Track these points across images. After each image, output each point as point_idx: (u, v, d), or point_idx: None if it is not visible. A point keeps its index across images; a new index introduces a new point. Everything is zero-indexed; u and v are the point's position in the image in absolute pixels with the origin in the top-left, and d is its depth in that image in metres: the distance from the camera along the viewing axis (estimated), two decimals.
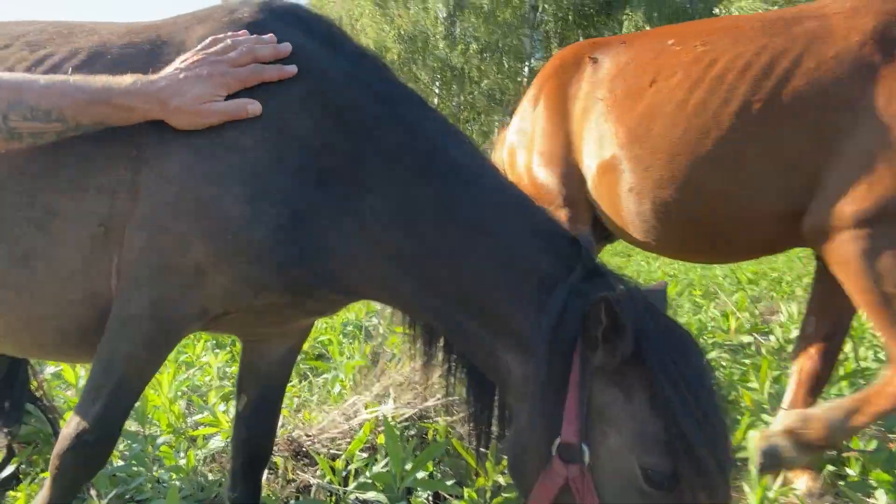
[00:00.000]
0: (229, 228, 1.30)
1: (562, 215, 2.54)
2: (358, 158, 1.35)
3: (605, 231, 2.70)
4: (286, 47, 1.38)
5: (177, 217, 1.31)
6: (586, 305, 1.19)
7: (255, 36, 1.39)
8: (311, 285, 1.41)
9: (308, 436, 2.17)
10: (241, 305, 1.40)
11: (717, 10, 19.09)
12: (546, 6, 25.53)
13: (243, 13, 1.46)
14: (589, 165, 2.49)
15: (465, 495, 1.84)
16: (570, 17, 25.89)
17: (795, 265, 8.04)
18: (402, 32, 24.39)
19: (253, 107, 1.32)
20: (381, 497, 1.83)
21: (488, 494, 1.85)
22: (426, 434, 2.11)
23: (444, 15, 25.04)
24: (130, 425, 2.36)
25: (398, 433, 1.97)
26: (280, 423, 2.42)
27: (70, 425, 1.38)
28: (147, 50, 1.46)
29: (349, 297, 1.53)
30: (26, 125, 1.28)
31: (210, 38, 1.40)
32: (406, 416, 2.17)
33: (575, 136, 2.58)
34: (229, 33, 1.40)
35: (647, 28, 23.53)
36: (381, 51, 24.94)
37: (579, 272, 1.27)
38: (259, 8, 1.47)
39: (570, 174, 2.58)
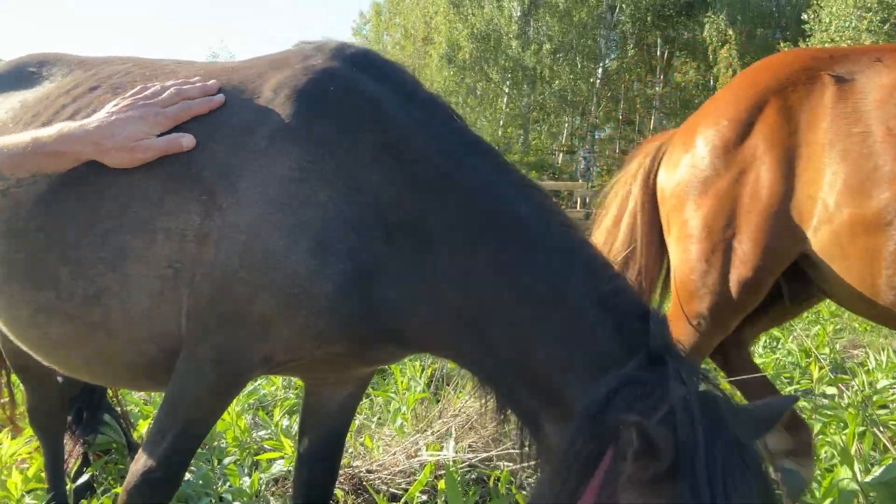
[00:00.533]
0: (296, 282, 1.31)
1: (742, 270, 2.04)
2: (424, 214, 1.34)
3: (802, 295, 2.23)
4: (213, 84, 1.45)
5: (246, 267, 1.32)
6: (639, 394, 1.11)
7: (181, 80, 1.48)
8: (372, 339, 1.41)
9: (369, 471, 2.17)
10: (304, 355, 1.41)
11: (804, 15, 18.22)
12: (624, 6, 24.98)
13: (317, 60, 1.46)
14: (828, 217, 1.92)
15: None
16: (648, 18, 25.27)
17: None
18: (476, 31, 24.35)
19: (187, 140, 1.38)
20: None
21: None
22: (487, 479, 2.08)
23: (519, 14, 24.88)
24: None
25: (459, 477, 1.94)
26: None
27: (138, 462, 1.42)
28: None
29: (410, 350, 1.52)
30: None
31: (140, 86, 1.48)
32: (468, 461, 2.14)
33: (806, 178, 1.97)
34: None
35: (731, 31, 22.72)
36: (453, 49, 25.00)
37: (641, 357, 1.17)
38: (332, 55, 1.47)
39: (785, 225, 1.98)
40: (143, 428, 2.56)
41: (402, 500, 2.00)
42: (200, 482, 2.26)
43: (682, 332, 2.10)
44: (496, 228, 1.32)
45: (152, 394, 2.97)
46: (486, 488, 2.09)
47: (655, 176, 2.36)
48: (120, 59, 1.76)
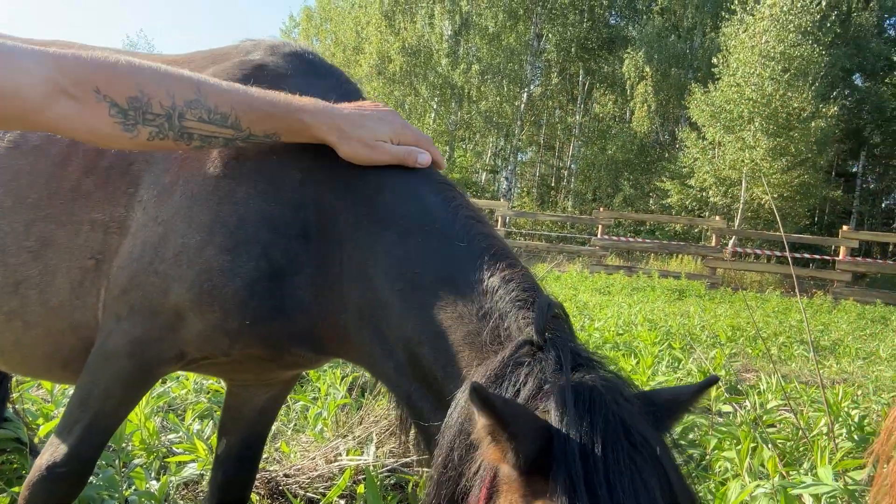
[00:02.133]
0: (209, 277, 1.29)
1: None
2: (336, 212, 1.32)
3: None
4: (441, 161, 1.41)
5: (160, 259, 1.30)
6: (511, 384, 0.99)
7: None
8: (286, 341, 1.36)
9: (286, 475, 2.14)
10: (217, 353, 1.37)
11: (714, 59, 19.44)
12: (550, 35, 25.85)
13: (255, 56, 1.47)
14: None
15: None
16: (572, 49, 26.25)
17: (771, 321, 8.15)
18: (407, 45, 24.51)
19: (423, 157, 1.33)
20: None
21: None
22: (407, 484, 2.10)
23: (450, 33, 25.25)
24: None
25: (379, 482, 1.95)
26: None
27: (44, 456, 1.36)
28: None
29: (325, 354, 1.44)
30: (200, 126, 1.22)
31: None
32: (388, 466, 2.15)
33: None
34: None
35: (647, 69, 23.91)
36: (384, 61, 25.04)
37: (514, 346, 1.06)
38: (270, 51, 1.48)
39: None
40: (45, 431, 2.42)
41: None
42: (104, 485, 2.16)
43: None
44: (397, 221, 1.28)
45: (54, 392, 2.81)
46: (405, 493, 2.10)
47: None
48: (64, 45, 1.68)
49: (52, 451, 1.35)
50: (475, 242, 1.24)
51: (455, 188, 1.37)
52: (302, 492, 2.08)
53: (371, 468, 2.05)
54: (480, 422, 0.90)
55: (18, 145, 1.46)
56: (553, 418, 0.91)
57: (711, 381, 1.07)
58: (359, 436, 2.28)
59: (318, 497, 2.05)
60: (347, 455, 2.15)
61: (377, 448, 2.21)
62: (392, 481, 2.14)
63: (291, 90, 1.32)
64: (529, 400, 0.97)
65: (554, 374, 0.98)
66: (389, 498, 1.90)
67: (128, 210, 1.35)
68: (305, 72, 1.46)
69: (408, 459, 2.17)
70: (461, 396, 1.03)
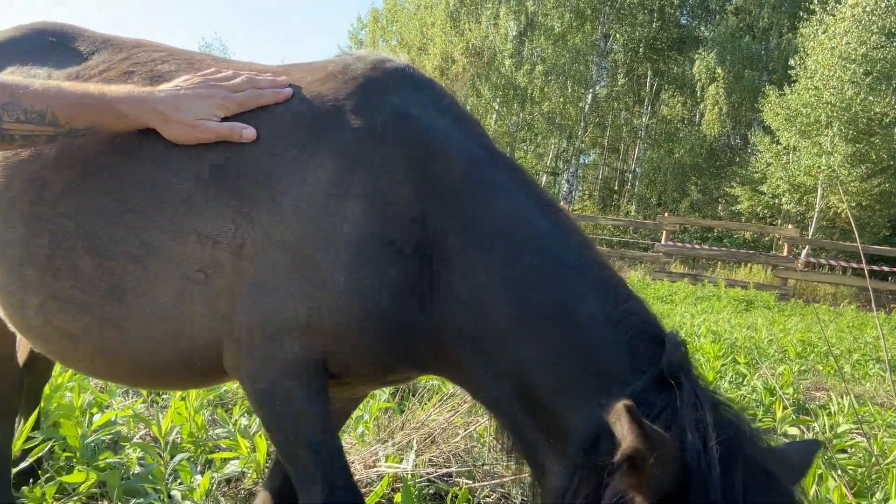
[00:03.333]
0: (336, 298, 1.27)
1: None
2: (445, 231, 1.30)
3: None
4: (283, 80, 1.43)
5: (287, 283, 1.29)
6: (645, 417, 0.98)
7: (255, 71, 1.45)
8: (396, 360, 1.36)
9: None
10: (341, 372, 1.36)
11: (791, 61, 18.64)
12: (618, 35, 25.37)
13: (356, 71, 1.44)
14: None
15: None
16: (640, 50, 25.70)
17: (845, 337, 7.72)
18: (471, 46, 24.52)
19: (247, 132, 1.36)
20: None
21: None
22: (445, 495, 2.04)
23: (515, 33, 25.11)
24: (150, 431, 2.36)
25: (416, 492, 1.91)
26: None
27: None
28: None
29: (425, 373, 1.45)
30: (18, 127, 1.31)
31: (213, 68, 1.46)
32: (427, 475, 2.10)
33: None
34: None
35: (719, 70, 23.15)
36: (447, 62, 25.13)
37: (647, 379, 1.07)
38: (371, 66, 1.45)
39: None
40: (102, 421, 2.47)
41: None
42: (150, 477, 2.19)
43: None
44: (509, 244, 1.27)
45: (108, 383, 2.88)
46: None
47: None
48: (152, 45, 1.69)
49: (316, 496, 1.31)
50: (591, 271, 1.24)
51: (561, 209, 1.36)
52: None
53: (409, 477, 2.00)
54: (626, 443, 0.92)
55: (122, 148, 1.42)
56: (690, 454, 0.93)
57: (816, 446, 1.11)
58: (399, 441, 2.24)
59: None
60: (386, 462, 2.12)
61: (417, 456, 2.17)
62: (430, 491, 2.09)
63: (389, 106, 1.38)
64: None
65: (690, 410, 1.00)
66: None
67: (239, 227, 1.32)
68: (407, 88, 1.44)
69: (447, 470, 2.11)
70: (595, 421, 1.04)
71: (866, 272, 2.85)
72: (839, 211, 17.55)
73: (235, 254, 1.31)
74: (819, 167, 17.19)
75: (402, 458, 2.15)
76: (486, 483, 2.23)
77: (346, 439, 2.57)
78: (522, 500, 2.27)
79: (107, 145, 1.42)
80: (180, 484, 2.18)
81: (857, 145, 16.84)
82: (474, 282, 1.26)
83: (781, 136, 18.75)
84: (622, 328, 1.16)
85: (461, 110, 1.46)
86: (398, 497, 1.98)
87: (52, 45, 1.67)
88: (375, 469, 2.11)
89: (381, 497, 2.00)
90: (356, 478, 2.12)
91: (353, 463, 2.18)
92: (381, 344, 1.32)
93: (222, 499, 2.19)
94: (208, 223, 1.32)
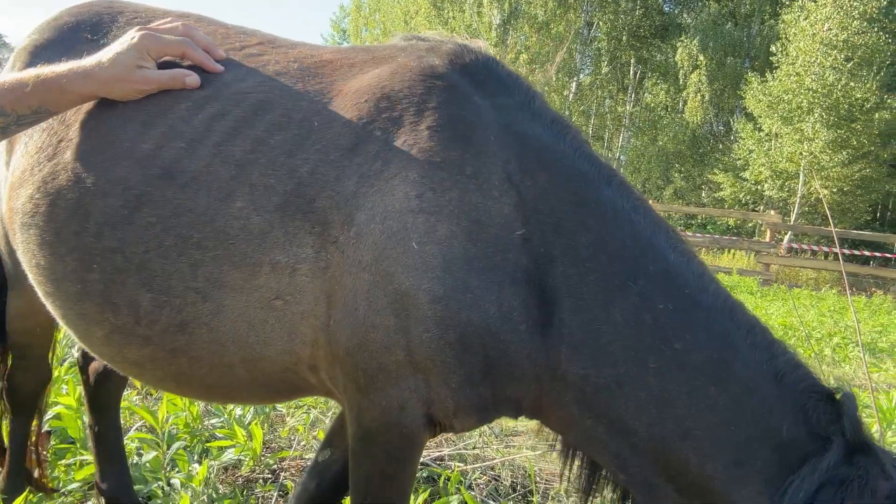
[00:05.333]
0: (423, 326, 1.11)
1: None
2: (551, 258, 1.11)
3: None
4: (218, 51, 1.37)
5: (376, 311, 1.14)
6: (843, 500, 0.91)
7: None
8: (489, 403, 1.18)
9: None
10: (447, 423, 1.21)
11: (773, 48, 18.76)
12: (601, 23, 25.39)
13: (433, 64, 1.26)
14: None
15: None
16: (623, 38, 25.71)
17: (826, 321, 7.86)
18: (456, 34, 24.41)
19: (191, 79, 1.30)
20: None
21: None
22: (438, 478, 2.10)
23: (498, 22, 25.04)
24: (146, 423, 2.39)
25: None
26: (295, 441, 2.44)
27: None
28: (308, 79, 1.34)
29: (525, 415, 1.28)
30: None
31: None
32: (420, 459, 2.17)
33: None
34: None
35: (702, 57, 23.26)
36: None
37: (838, 447, 0.94)
38: (450, 60, 1.27)
39: None
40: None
41: None
42: (149, 465, 2.23)
43: None
44: (639, 279, 1.07)
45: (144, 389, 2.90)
46: (437, 487, 2.11)
47: None
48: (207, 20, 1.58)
49: None
50: (735, 312, 1.07)
51: (676, 232, 1.19)
52: None
53: None
54: None
55: (174, 176, 1.28)
56: None
57: None
58: None
59: None
60: None
61: None
62: (424, 475, 2.15)
63: (475, 108, 1.21)
64: None
65: (884, 485, 0.91)
66: (421, 490, 1.90)
67: (320, 251, 1.19)
68: (494, 86, 1.27)
69: (439, 453, 2.17)
70: (803, 495, 0.91)
71: (840, 257, 2.94)
72: (821, 196, 17.77)
73: (319, 277, 1.18)
74: (801, 153, 17.37)
75: None
76: (477, 465, 2.29)
77: None
78: (512, 482, 2.33)
79: (151, 170, 1.30)
80: (178, 472, 2.23)
81: (839, 131, 17.02)
82: (590, 324, 1.07)
83: (763, 123, 18.90)
84: (787, 383, 1.01)
85: (555, 113, 1.28)
86: None
87: (87, 41, 1.54)
88: None
89: None
90: None
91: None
92: (477, 390, 1.14)
93: (220, 486, 2.24)
94: (284, 252, 1.20)
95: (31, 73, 1.32)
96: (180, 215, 1.25)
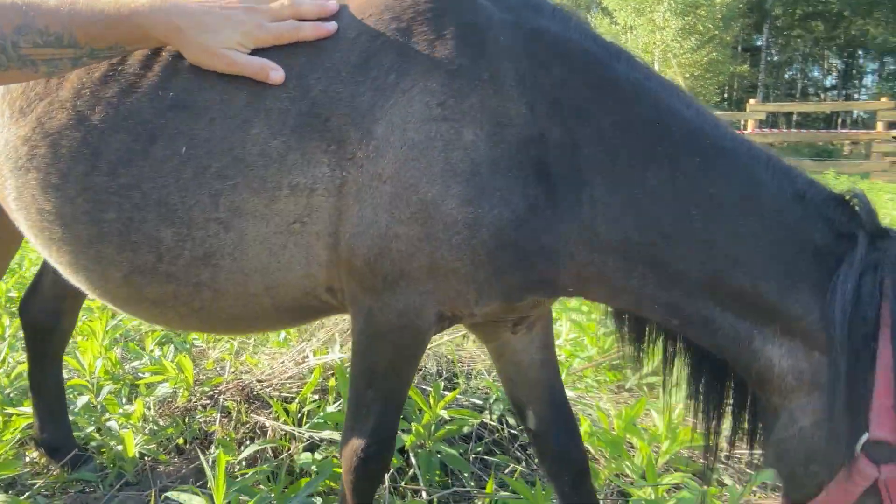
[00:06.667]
0: (454, 231, 1.19)
1: None
2: (576, 144, 1.20)
3: None
4: (333, 5, 1.29)
5: (398, 221, 1.20)
6: (882, 279, 1.05)
7: None
8: (524, 290, 1.28)
9: (259, 381, 2.27)
10: (464, 311, 1.30)
11: None
12: None
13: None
14: None
15: (413, 429, 2.02)
16: None
17: None
18: None
19: (276, 74, 1.24)
20: (336, 435, 1.98)
21: (433, 428, 2.04)
22: None
23: None
24: (67, 374, 2.37)
25: (348, 374, 2.10)
26: (225, 368, 2.51)
27: (352, 443, 1.36)
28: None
29: (560, 296, 1.38)
30: (38, 52, 1.18)
31: None
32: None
33: None
34: None
35: None
36: None
37: (863, 240, 1.08)
38: None
39: None
40: (19, 371, 2.43)
41: (296, 401, 2.14)
42: (81, 412, 2.24)
43: None
44: (667, 141, 1.18)
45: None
46: None
47: None
48: None
49: (356, 438, 1.36)
50: (753, 150, 1.20)
51: (671, 82, 1.28)
52: (276, 393, 2.22)
53: (339, 362, 2.19)
54: None
55: (187, 107, 1.28)
56: None
57: None
58: (322, 338, 2.42)
59: (293, 395, 2.20)
60: (315, 355, 2.29)
61: (341, 347, 2.36)
62: None
63: (482, 10, 1.23)
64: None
65: None
66: None
67: (336, 169, 1.22)
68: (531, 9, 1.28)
69: None
70: (850, 281, 1.06)
71: None
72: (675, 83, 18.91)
73: (334, 195, 1.23)
74: (655, 43, 18.29)
75: (329, 350, 2.33)
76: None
77: (268, 350, 2.71)
78: (437, 369, 2.54)
79: (162, 102, 1.28)
80: (112, 414, 2.25)
81: (686, 18, 17.99)
82: (627, 194, 1.18)
83: (618, 17, 19.59)
84: (808, 199, 1.15)
85: (550, 2, 1.32)
86: (332, 382, 2.18)
87: None
88: (306, 364, 2.29)
89: (317, 385, 2.19)
90: (288, 375, 2.29)
91: (283, 363, 2.34)
92: (503, 282, 1.25)
93: (160, 420, 2.29)
94: (303, 174, 1.23)
95: (112, 4, 1.18)
96: (197, 146, 1.26)
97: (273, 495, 1.79)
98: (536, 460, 1.65)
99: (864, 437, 1.07)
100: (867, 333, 1.06)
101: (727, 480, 2.10)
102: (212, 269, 1.30)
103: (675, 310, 1.21)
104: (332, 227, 1.25)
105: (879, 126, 15.03)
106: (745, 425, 1.28)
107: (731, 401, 1.29)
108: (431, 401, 2.05)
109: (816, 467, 1.14)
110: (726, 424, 1.30)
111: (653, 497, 1.87)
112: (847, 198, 1.15)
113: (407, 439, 2.01)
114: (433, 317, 1.29)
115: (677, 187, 1.17)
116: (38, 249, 1.51)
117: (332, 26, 1.26)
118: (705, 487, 1.69)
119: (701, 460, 1.64)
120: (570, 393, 2.35)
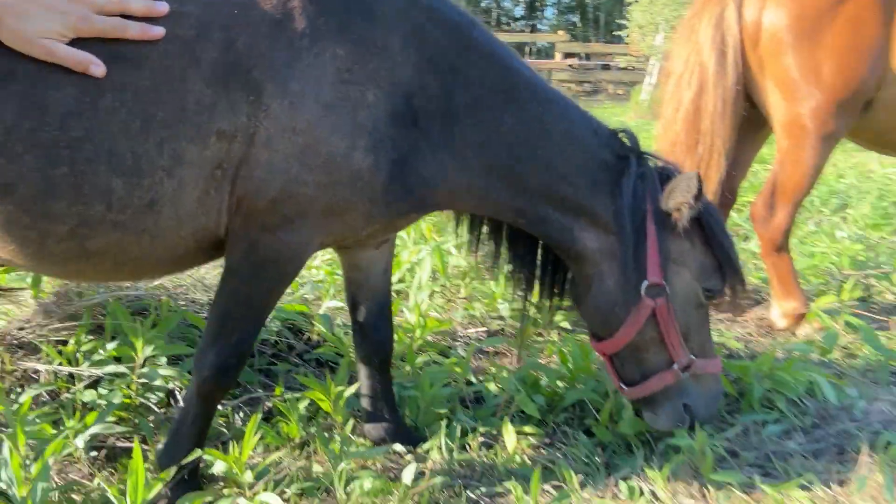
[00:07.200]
0: (359, 177, 1.47)
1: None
2: (450, 94, 1.54)
3: None
4: (163, 6, 1.38)
5: (308, 168, 1.43)
6: (647, 185, 1.65)
7: None
8: (406, 212, 1.63)
9: (20, 329, 2.18)
10: (351, 237, 1.62)
11: None
12: None
13: None
14: None
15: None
16: None
17: None
18: None
19: (97, 69, 1.29)
20: (122, 368, 2.03)
21: None
22: (148, 310, 2.31)
23: None
24: None
25: (127, 311, 2.15)
26: None
27: (209, 357, 1.56)
28: None
29: (432, 211, 1.75)
30: None
31: None
32: (129, 297, 2.32)
33: None
34: None
35: None
36: None
37: (635, 159, 1.68)
38: None
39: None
40: None
41: (72, 343, 2.12)
42: None
43: None
44: (515, 91, 1.61)
45: None
46: (149, 316, 2.31)
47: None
48: None
49: (220, 349, 1.55)
50: (566, 100, 1.70)
51: (504, 44, 1.68)
52: (44, 338, 2.16)
53: (111, 301, 2.22)
54: (693, 190, 1.61)
55: (128, 59, 1.36)
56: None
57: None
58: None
59: (64, 339, 2.16)
60: (81, 298, 2.27)
61: (106, 286, 2.35)
62: (139, 306, 2.34)
63: None
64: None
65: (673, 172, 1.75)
66: (147, 322, 2.11)
67: (251, 119, 1.41)
68: None
69: (145, 284, 2.38)
70: (630, 186, 1.65)
71: None
72: None
73: (247, 143, 1.41)
74: None
75: (96, 292, 2.31)
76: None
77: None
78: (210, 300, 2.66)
79: (103, 56, 1.33)
80: None
81: None
82: (491, 129, 1.58)
83: None
84: (600, 133, 1.70)
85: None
86: (108, 320, 2.19)
87: None
88: (72, 306, 2.25)
89: (90, 326, 2.19)
90: (49, 319, 2.23)
91: (45, 308, 2.26)
92: (391, 209, 1.57)
93: None
94: (228, 122, 1.40)
95: None
96: (142, 97, 1.37)
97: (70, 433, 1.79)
98: (352, 350, 2.03)
99: (645, 283, 1.66)
100: (641, 219, 1.65)
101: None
102: (155, 216, 1.43)
103: (522, 212, 1.68)
104: (243, 171, 1.45)
105: (558, 56, 17.42)
106: (556, 291, 1.87)
107: (542, 275, 1.85)
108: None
109: (618, 309, 1.71)
110: (535, 294, 1.88)
111: (411, 372, 2.33)
112: (620, 133, 1.74)
113: None
114: (317, 246, 1.62)
115: (525, 125, 1.62)
116: None
117: (159, 30, 1.36)
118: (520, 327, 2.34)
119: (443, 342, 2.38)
120: (335, 303, 2.68)
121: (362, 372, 1.98)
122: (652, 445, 1.98)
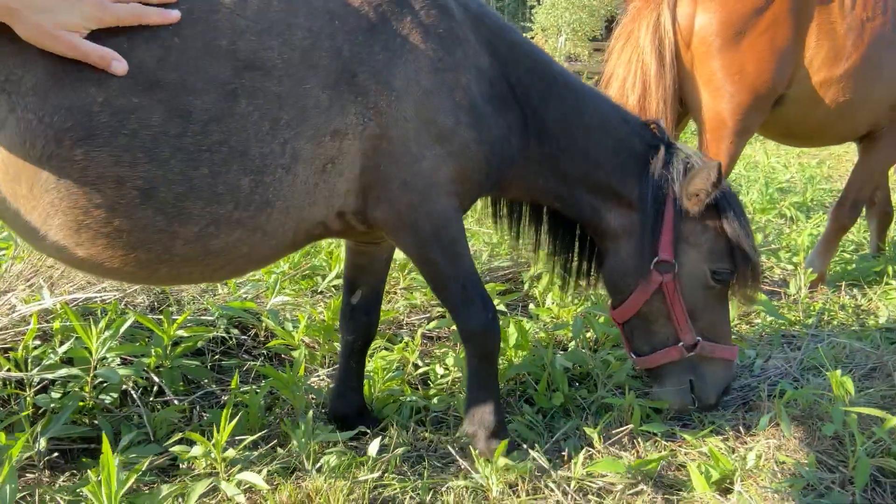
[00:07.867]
0: (468, 148, 1.69)
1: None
2: (518, 85, 1.80)
3: None
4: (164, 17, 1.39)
5: (425, 146, 1.63)
6: (671, 171, 1.88)
7: None
8: (491, 190, 1.90)
9: None
10: (467, 205, 1.83)
11: None
12: None
13: None
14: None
15: (153, 352, 2.20)
16: None
17: None
18: None
19: (119, 65, 1.30)
20: (74, 370, 2.04)
21: (169, 348, 2.23)
22: (95, 313, 2.31)
23: None
24: None
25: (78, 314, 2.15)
26: None
27: (469, 322, 1.80)
28: None
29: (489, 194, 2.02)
30: None
31: None
32: (77, 300, 2.31)
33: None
34: None
35: None
36: None
37: (663, 148, 1.91)
38: None
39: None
40: None
41: (20, 349, 2.11)
42: None
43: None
44: (555, 87, 1.85)
45: None
46: (104, 317, 2.30)
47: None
48: None
49: (479, 310, 1.79)
50: (595, 90, 1.97)
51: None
52: None
53: (56, 307, 2.21)
54: (713, 178, 1.83)
55: (257, 67, 1.48)
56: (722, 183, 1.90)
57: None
58: (23, 287, 2.35)
59: (13, 345, 2.15)
60: (26, 303, 2.25)
61: (52, 291, 2.34)
62: (85, 309, 2.34)
63: None
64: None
65: (698, 160, 1.96)
66: (102, 323, 2.12)
67: (359, 117, 1.58)
68: None
69: (93, 293, 2.37)
70: (656, 173, 1.91)
71: None
72: None
73: (358, 138, 1.58)
74: None
75: (41, 297, 2.30)
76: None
77: None
78: (154, 302, 2.67)
79: (236, 64, 1.46)
80: None
81: None
82: (541, 118, 1.84)
83: None
84: (630, 123, 1.95)
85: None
86: (56, 324, 2.18)
87: None
88: (18, 312, 2.23)
89: (37, 331, 2.17)
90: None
91: None
92: (492, 179, 1.81)
93: None
94: (341, 121, 1.55)
95: None
96: (269, 100, 1.49)
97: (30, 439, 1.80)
98: (338, 328, 2.13)
99: (655, 259, 1.89)
100: (661, 202, 1.89)
101: None
102: (269, 211, 1.54)
103: (559, 197, 1.95)
104: (356, 165, 1.62)
105: None
106: (585, 266, 2.12)
107: (577, 251, 2.11)
108: (165, 326, 2.23)
109: (630, 279, 1.95)
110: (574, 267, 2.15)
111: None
112: (650, 123, 1.99)
113: (149, 362, 2.20)
114: (460, 209, 1.81)
115: (567, 117, 1.87)
116: (63, 240, 1.45)
117: (176, 14, 1.39)
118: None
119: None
120: (280, 299, 2.76)
121: (342, 351, 2.11)
122: (585, 408, 2.21)
